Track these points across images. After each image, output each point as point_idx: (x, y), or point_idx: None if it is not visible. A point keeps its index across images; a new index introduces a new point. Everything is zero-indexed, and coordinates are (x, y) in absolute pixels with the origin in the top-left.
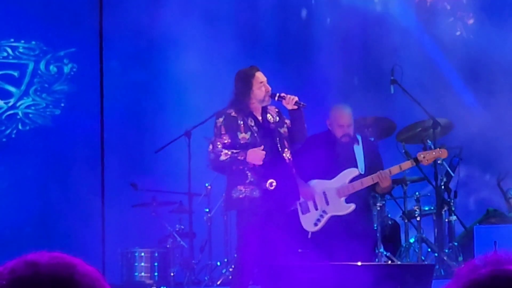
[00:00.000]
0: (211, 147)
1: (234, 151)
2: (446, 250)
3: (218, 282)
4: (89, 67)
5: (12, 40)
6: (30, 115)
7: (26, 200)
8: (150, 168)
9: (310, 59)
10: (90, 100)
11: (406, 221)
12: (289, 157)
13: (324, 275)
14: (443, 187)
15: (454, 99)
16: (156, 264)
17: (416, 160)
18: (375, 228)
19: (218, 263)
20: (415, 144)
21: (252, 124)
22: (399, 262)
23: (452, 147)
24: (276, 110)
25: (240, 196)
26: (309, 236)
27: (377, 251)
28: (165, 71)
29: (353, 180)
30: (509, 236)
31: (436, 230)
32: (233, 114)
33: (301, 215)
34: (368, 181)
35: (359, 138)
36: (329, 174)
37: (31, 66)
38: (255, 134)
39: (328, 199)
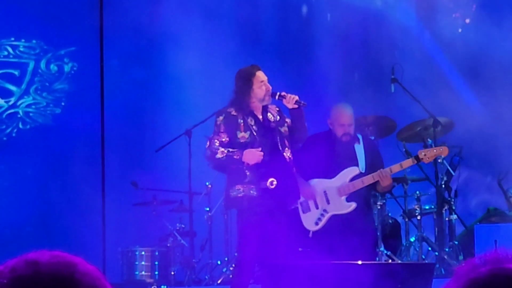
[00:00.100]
0: (208, 144)
1: (231, 149)
2: (447, 249)
3: (219, 281)
4: (90, 66)
5: (12, 39)
6: (31, 114)
7: (27, 199)
8: (150, 166)
9: (310, 58)
10: (90, 99)
11: (406, 220)
12: (290, 156)
13: (325, 274)
14: (443, 186)
15: (454, 98)
16: (156, 263)
17: (417, 158)
18: (376, 226)
19: (219, 262)
20: (416, 143)
21: (252, 123)
22: (399, 261)
23: (453, 146)
24: (277, 109)
25: (239, 195)
26: (310, 235)
27: (377, 250)
28: (166, 70)
29: (353, 179)
30: (510, 235)
31: (436, 229)
32: (233, 113)
33: (302, 214)
34: (368, 179)
35: (360, 137)
36: (330, 173)
37: (31, 65)
38: (255, 134)
39: (329, 198)
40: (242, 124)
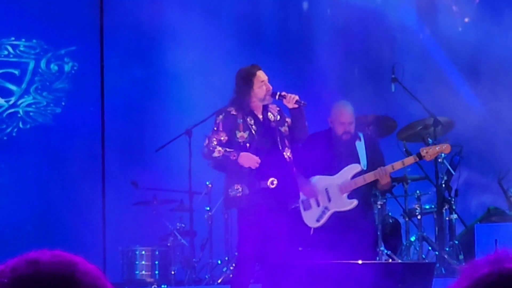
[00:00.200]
0: (206, 142)
1: (228, 149)
2: (447, 249)
3: (219, 281)
4: (90, 65)
5: (12, 38)
6: (31, 114)
7: (27, 199)
8: (151, 166)
9: (310, 56)
10: (91, 99)
11: (407, 219)
12: (290, 156)
13: (325, 273)
14: (443, 185)
15: (454, 96)
16: (156, 262)
17: (419, 155)
18: (376, 225)
19: (219, 262)
20: (416, 142)
21: (252, 123)
22: (399, 261)
23: (453, 145)
24: (277, 108)
25: (238, 194)
26: (311, 232)
27: (378, 249)
28: (166, 69)
29: (355, 176)
30: (510, 234)
31: (436, 228)
32: (233, 112)
33: (303, 211)
34: (370, 177)
35: (361, 135)
36: (331, 171)
37: (31, 64)
38: (254, 133)
39: (330, 195)
40: (241, 123)
